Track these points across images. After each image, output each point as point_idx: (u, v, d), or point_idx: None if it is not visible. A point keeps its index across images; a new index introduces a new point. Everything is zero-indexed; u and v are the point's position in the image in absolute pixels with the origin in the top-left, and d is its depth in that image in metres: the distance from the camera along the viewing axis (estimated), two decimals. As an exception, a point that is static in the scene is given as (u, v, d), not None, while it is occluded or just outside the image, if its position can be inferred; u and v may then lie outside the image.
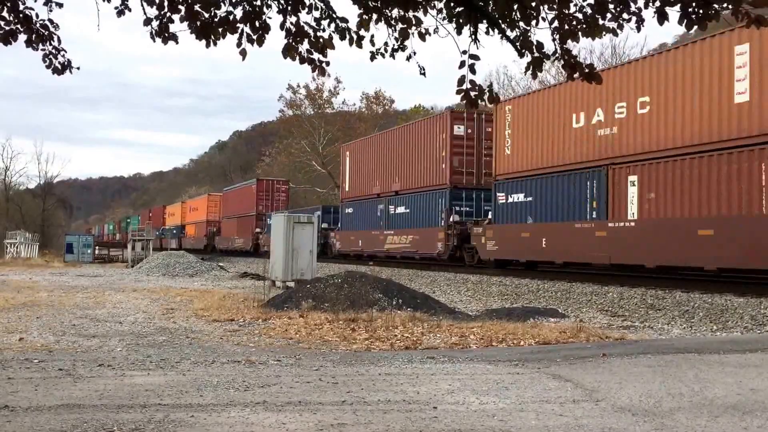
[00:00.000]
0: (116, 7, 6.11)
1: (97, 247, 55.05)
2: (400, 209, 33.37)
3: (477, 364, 8.46)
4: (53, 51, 6.33)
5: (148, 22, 5.93)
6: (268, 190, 56.96)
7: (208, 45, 5.80)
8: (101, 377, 7.52)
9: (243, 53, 5.87)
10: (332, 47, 5.92)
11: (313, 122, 78.09)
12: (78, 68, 6.56)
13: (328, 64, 6.05)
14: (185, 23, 5.79)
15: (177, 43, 6.02)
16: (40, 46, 6.25)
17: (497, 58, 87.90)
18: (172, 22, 5.91)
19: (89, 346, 10.22)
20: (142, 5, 5.95)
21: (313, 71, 6.11)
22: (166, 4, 5.87)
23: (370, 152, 37.71)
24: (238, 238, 58.24)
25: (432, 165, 30.59)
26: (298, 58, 5.92)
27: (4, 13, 6.06)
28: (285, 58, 5.92)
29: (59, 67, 6.42)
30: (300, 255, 22.27)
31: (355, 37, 5.89)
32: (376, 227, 35.54)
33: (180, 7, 5.82)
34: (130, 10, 6.14)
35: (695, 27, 5.32)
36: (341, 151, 43.12)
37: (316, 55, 5.97)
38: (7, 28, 6.10)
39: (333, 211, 45.39)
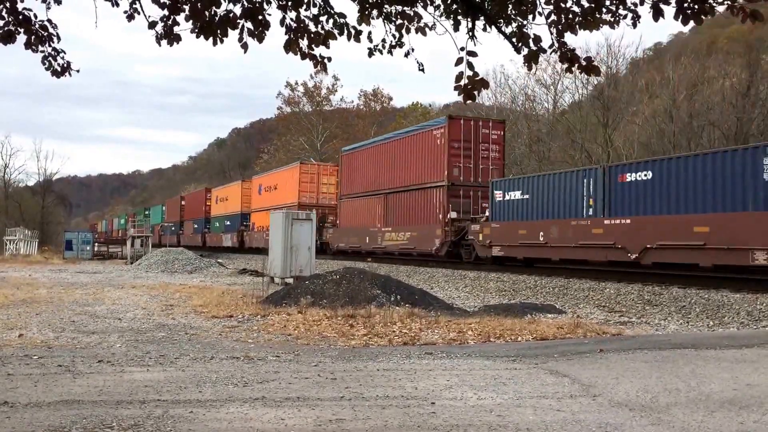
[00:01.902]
0: (125, 11, 6.10)
1: (96, 244, 54.89)
2: None
3: (475, 360, 8.49)
4: (52, 53, 6.31)
5: (153, 25, 5.92)
6: (468, 137, 29.29)
7: (215, 43, 5.80)
8: (100, 373, 7.55)
9: (245, 47, 5.87)
10: (334, 38, 5.92)
11: (312, 119, 78.17)
12: (78, 71, 6.53)
13: (329, 59, 6.07)
14: (188, 23, 5.79)
15: (179, 42, 6.03)
16: (40, 48, 6.23)
17: (495, 57, 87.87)
18: (177, 24, 5.91)
19: (88, 342, 10.24)
20: (141, 9, 5.94)
21: (315, 67, 6.13)
22: (170, 3, 5.86)
23: None
24: (398, 231, 31.95)
25: None
26: (299, 53, 5.93)
27: (3, 13, 6.05)
28: (287, 53, 5.93)
29: (59, 69, 6.39)
30: (299, 252, 22.28)
31: (353, 31, 5.91)
32: None
33: (184, 6, 5.82)
34: (139, 13, 6.13)
35: (691, 23, 5.33)
36: None
37: (317, 51, 5.98)
38: (6, 28, 6.09)
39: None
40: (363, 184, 36.54)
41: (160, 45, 5.92)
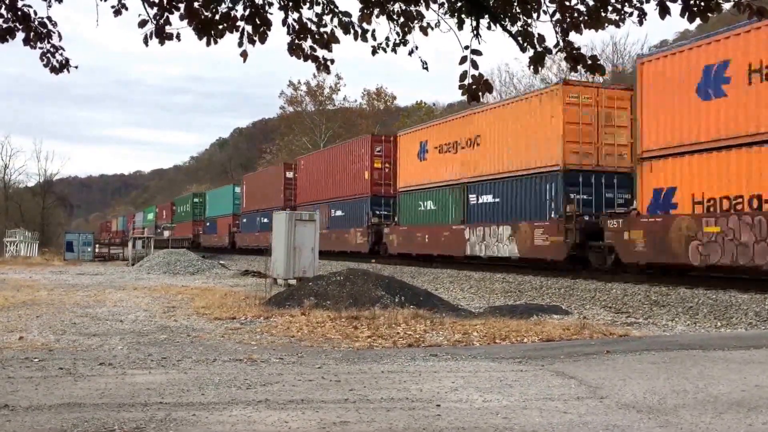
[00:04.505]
0: (113, 6, 6.05)
1: (97, 246, 54.79)
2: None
3: (480, 362, 8.42)
4: (51, 49, 6.28)
5: (143, 23, 5.85)
6: None
7: (208, 43, 5.75)
8: (102, 376, 7.49)
9: (244, 55, 5.81)
10: (337, 41, 5.88)
11: (314, 119, 78.16)
12: (76, 67, 6.49)
13: (332, 61, 6.02)
14: (184, 21, 5.73)
15: (179, 40, 5.96)
16: (38, 45, 6.19)
17: (499, 56, 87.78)
18: (170, 23, 5.85)
19: (90, 344, 10.19)
20: (143, 5, 5.88)
21: (318, 69, 6.08)
22: (165, 2, 5.80)
23: None
24: None
25: None
26: (302, 56, 5.88)
27: (2, 11, 6.01)
28: (291, 56, 5.88)
29: (57, 65, 6.36)
30: (302, 253, 22.21)
31: (360, 30, 5.85)
32: None
33: (179, 5, 5.76)
34: (126, 8, 6.08)
35: (697, 20, 5.28)
36: None
37: (320, 52, 5.93)
38: (5, 25, 6.05)
39: None
40: None
41: (147, 45, 5.85)
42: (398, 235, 33.19)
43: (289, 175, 47.77)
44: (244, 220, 54.80)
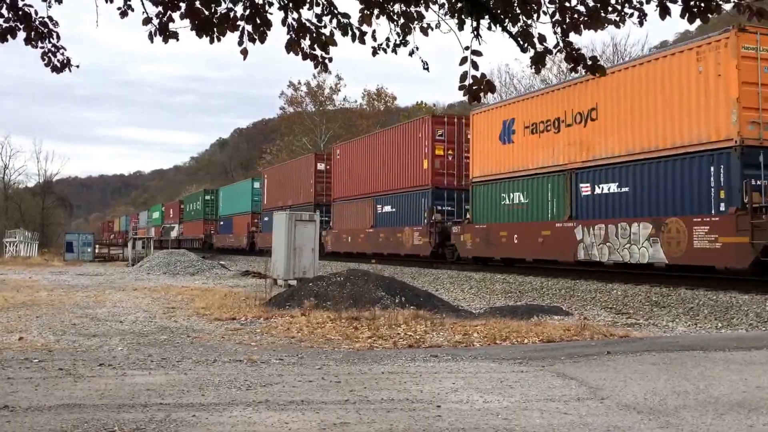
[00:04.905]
0: (119, 8, 6.06)
1: (97, 246, 54.66)
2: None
3: (481, 363, 8.41)
4: (52, 49, 6.29)
5: (147, 21, 5.88)
6: None
7: (211, 41, 5.76)
8: (102, 377, 7.48)
9: (244, 52, 5.82)
10: (334, 44, 5.88)
11: (315, 119, 78.20)
12: (77, 66, 6.52)
13: (330, 60, 6.02)
14: (185, 20, 5.74)
15: (177, 40, 5.97)
16: (39, 44, 6.21)
17: (499, 56, 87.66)
18: (173, 21, 5.87)
19: (90, 345, 10.17)
20: (142, 3, 5.90)
21: (316, 67, 6.08)
22: (167, 0, 5.81)
23: None
24: None
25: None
26: (301, 53, 5.88)
27: (3, 10, 6.02)
28: (288, 53, 5.89)
29: (58, 65, 6.38)
30: (302, 253, 22.19)
31: (357, 33, 5.85)
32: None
33: (180, 4, 5.77)
34: (133, 10, 6.10)
35: (697, 21, 5.28)
36: None
37: (318, 51, 5.93)
38: (6, 25, 6.06)
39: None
40: None
41: (152, 41, 5.87)
42: (473, 236, 27.07)
43: (321, 166, 42.28)
44: (266, 219, 47.58)
